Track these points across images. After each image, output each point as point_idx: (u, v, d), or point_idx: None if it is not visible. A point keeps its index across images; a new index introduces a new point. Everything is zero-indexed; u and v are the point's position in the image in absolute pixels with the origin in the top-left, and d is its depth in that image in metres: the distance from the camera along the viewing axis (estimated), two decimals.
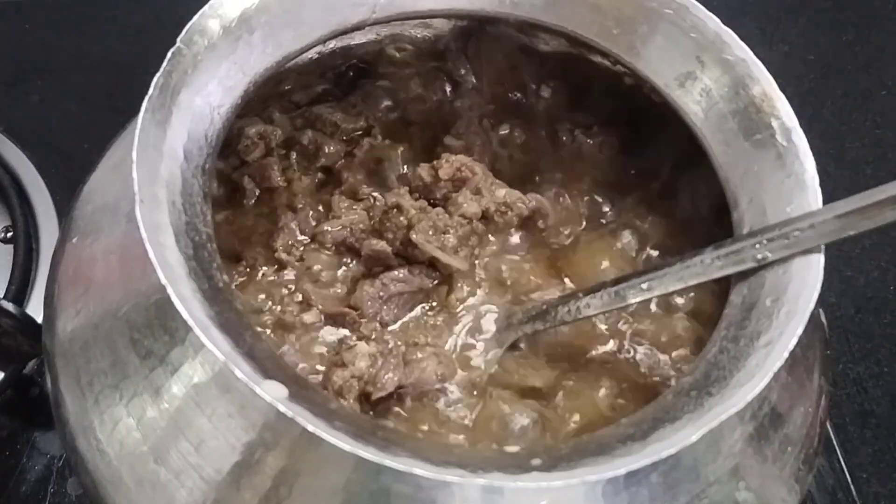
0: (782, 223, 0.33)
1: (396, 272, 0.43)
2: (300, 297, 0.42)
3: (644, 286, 0.36)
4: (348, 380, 0.38)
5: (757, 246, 0.33)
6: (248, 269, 0.44)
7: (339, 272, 0.44)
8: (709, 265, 0.34)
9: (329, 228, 0.44)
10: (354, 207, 0.45)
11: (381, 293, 0.43)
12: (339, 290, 0.44)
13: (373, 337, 0.41)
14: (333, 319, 0.42)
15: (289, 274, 0.43)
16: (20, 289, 0.57)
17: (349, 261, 0.45)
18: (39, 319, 0.39)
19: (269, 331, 0.41)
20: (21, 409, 0.54)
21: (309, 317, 0.41)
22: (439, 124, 0.50)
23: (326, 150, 0.48)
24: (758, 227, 0.34)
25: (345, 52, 0.47)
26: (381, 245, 0.43)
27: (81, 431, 0.33)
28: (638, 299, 0.37)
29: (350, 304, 0.43)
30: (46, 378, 0.36)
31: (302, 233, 0.45)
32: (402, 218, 0.43)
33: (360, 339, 0.41)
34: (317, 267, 0.44)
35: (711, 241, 0.35)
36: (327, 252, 0.44)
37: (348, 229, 0.44)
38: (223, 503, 0.30)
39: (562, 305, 0.40)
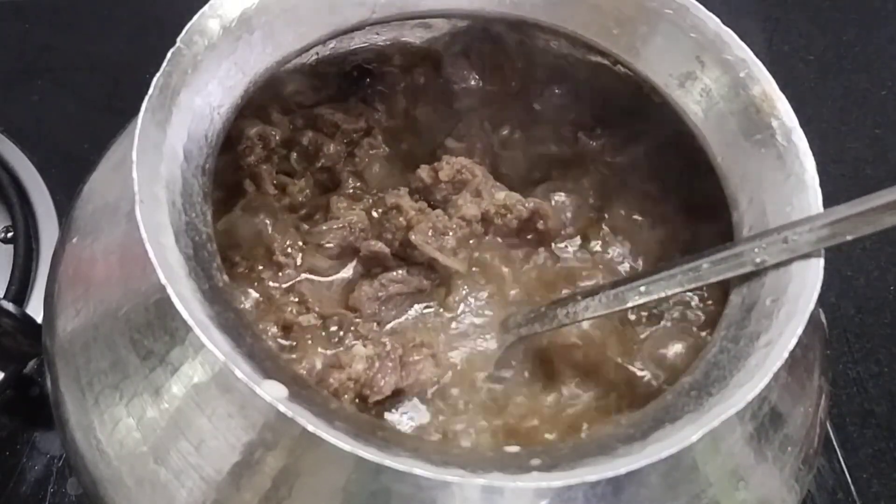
0: (781, 227, 0.33)
1: (395, 273, 0.43)
2: (297, 299, 0.42)
3: (643, 289, 0.36)
4: (344, 382, 0.38)
5: (756, 250, 0.33)
6: (246, 271, 0.44)
7: (338, 274, 0.44)
8: (707, 270, 0.34)
9: (327, 229, 0.44)
10: (353, 208, 0.45)
11: (380, 293, 0.43)
12: (337, 292, 0.44)
13: (370, 337, 0.41)
14: (331, 321, 0.42)
15: (287, 275, 0.43)
16: (20, 289, 0.57)
17: (347, 262, 0.45)
18: (39, 319, 0.39)
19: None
20: (21, 409, 0.54)
21: (306, 319, 0.41)
22: (440, 125, 0.50)
23: (326, 151, 0.48)
24: (758, 227, 0.34)
25: (345, 52, 0.47)
26: (379, 246, 0.43)
27: (81, 431, 0.33)
28: (637, 302, 0.37)
29: (348, 304, 0.43)
30: (46, 378, 0.36)
31: (300, 234, 0.45)
32: (401, 219, 0.43)
33: (357, 338, 0.41)
34: (314, 268, 0.44)
35: (713, 242, 0.35)
36: (325, 253, 0.44)
37: (347, 230, 0.44)
38: (223, 503, 0.30)
39: (560, 308, 0.40)
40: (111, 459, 0.32)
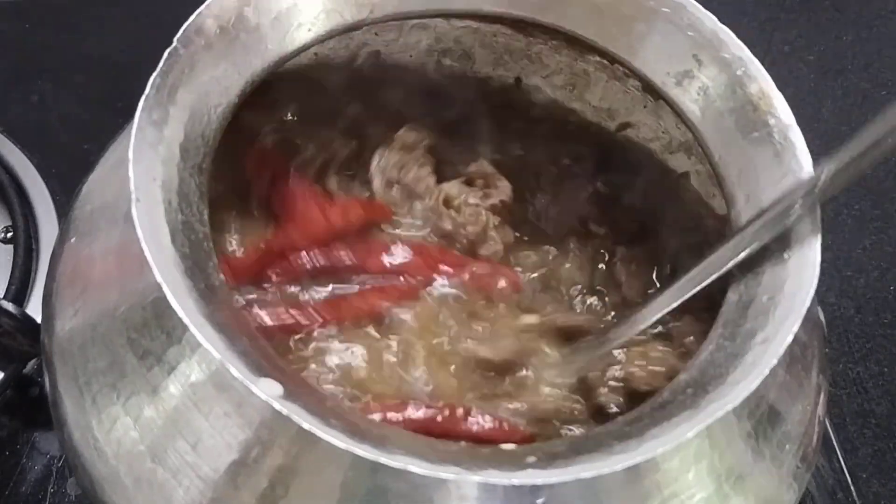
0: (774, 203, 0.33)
1: None
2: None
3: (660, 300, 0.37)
4: None
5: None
6: None
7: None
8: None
9: None
10: None
11: None
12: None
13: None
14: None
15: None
16: (20, 289, 0.57)
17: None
18: (39, 319, 0.39)
19: None
20: (21, 409, 0.54)
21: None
22: (440, 124, 0.50)
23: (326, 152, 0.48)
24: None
25: (343, 52, 0.47)
26: None
27: (79, 431, 0.33)
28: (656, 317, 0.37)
29: None
30: (45, 378, 0.36)
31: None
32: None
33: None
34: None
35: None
36: None
37: None
38: (220, 502, 0.30)
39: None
40: (109, 458, 0.32)
